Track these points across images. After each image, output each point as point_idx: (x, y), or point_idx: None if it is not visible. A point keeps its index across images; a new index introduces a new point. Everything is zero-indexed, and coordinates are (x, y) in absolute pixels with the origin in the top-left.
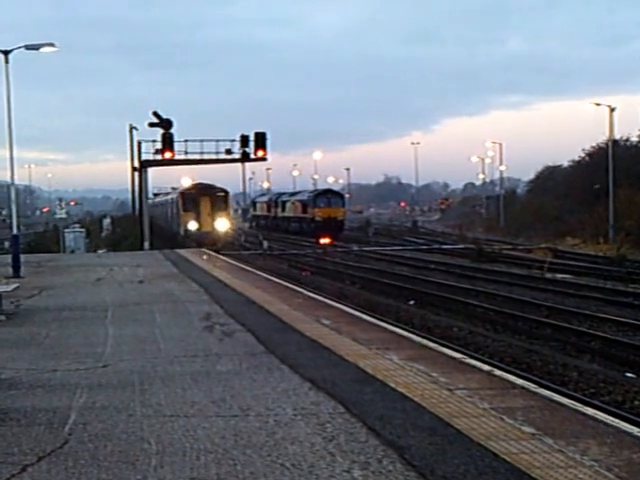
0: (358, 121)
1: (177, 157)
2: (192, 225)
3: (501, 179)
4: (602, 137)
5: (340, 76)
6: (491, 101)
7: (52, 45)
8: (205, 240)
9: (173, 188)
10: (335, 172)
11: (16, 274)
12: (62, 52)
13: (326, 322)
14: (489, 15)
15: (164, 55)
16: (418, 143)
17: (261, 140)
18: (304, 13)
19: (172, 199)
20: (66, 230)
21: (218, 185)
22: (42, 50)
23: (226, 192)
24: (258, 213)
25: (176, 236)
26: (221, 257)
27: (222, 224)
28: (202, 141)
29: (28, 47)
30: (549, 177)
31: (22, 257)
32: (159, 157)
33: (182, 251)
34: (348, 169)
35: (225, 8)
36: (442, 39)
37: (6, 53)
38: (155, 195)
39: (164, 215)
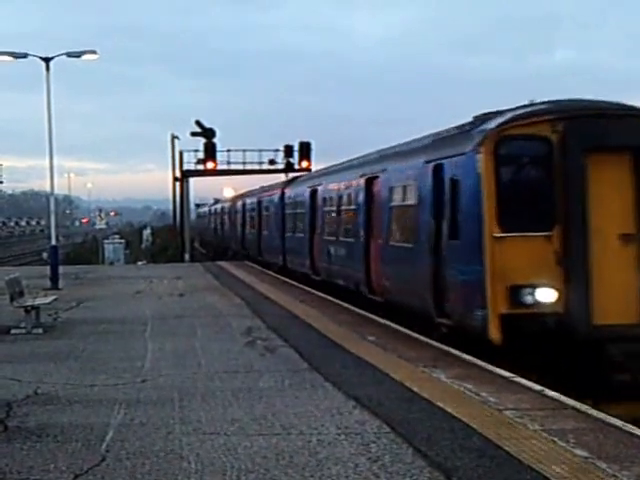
0: (405, 129)
1: (219, 167)
2: (544, 295)
3: None
4: None
5: (385, 85)
6: None
7: (94, 52)
8: None
9: (216, 200)
10: None
11: (54, 286)
12: (104, 60)
13: (371, 338)
14: (538, 25)
15: (207, 63)
16: None
17: (306, 150)
18: (348, 22)
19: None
20: (105, 241)
21: None
22: (84, 58)
23: None
24: None
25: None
26: (264, 270)
27: None
28: (245, 151)
29: (69, 54)
30: None
31: (61, 268)
32: (201, 167)
33: (224, 263)
34: None
35: (269, 17)
36: (490, 48)
37: (47, 60)
38: (198, 204)
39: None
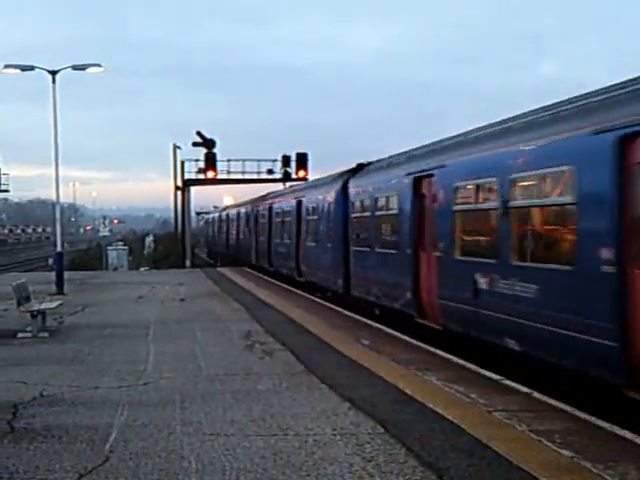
0: (399, 140)
1: (219, 176)
2: None
3: None
4: None
5: (379, 97)
6: None
7: (98, 66)
8: None
9: (215, 207)
10: None
11: (59, 291)
12: (109, 73)
13: (366, 342)
14: (522, 40)
15: (209, 76)
16: None
17: (302, 160)
18: (343, 36)
19: None
20: (109, 248)
21: None
22: (89, 70)
23: None
24: None
25: None
26: (262, 276)
27: None
28: (244, 161)
29: (75, 67)
30: None
31: (66, 274)
32: (202, 176)
33: (224, 269)
34: None
35: (268, 32)
36: (476, 62)
37: (53, 73)
38: (198, 212)
39: None
